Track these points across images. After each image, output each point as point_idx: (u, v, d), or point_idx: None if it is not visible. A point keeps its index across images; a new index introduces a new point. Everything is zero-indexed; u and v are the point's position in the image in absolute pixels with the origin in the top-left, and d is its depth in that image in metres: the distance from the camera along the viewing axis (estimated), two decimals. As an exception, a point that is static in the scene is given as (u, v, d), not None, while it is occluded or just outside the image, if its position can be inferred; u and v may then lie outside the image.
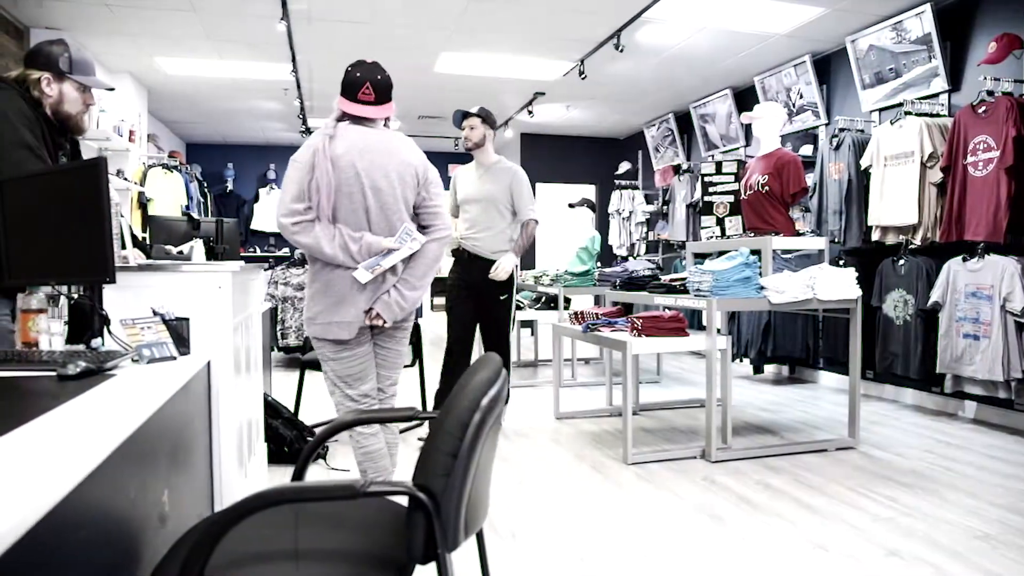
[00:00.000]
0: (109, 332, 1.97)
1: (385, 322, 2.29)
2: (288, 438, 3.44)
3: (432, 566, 1.13)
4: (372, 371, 2.39)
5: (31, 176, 1.95)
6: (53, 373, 1.60)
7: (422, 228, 2.35)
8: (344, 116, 2.29)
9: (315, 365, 3.95)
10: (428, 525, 1.11)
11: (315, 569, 1.20)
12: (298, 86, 6.46)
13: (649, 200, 8.19)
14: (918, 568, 2.26)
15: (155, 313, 1.99)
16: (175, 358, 1.88)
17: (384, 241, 2.24)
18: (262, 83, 6.56)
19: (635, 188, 8.39)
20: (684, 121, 7.64)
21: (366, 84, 2.25)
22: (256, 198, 9.62)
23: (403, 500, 1.18)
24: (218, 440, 2.17)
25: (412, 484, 1.11)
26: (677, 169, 7.36)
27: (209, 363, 2.12)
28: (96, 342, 1.92)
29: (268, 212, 9.37)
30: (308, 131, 8.20)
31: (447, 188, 3.92)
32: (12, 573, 0.78)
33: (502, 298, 3.82)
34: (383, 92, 2.29)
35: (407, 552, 1.14)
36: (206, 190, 8.99)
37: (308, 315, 2.31)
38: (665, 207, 7.64)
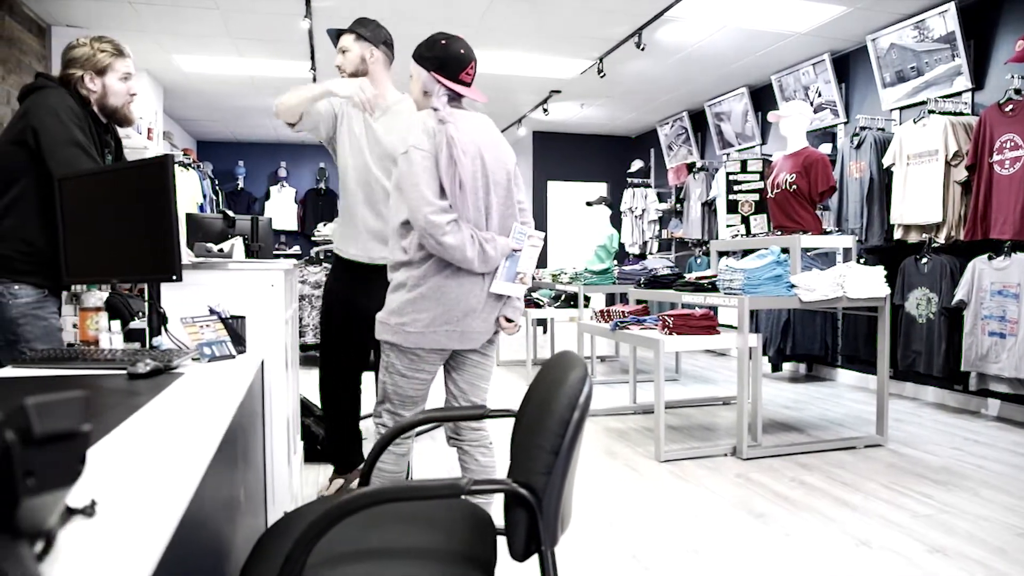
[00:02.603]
0: (166, 330, 1.98)
1: (517, 328, 2.09)
2: (320, 436, 3.45)
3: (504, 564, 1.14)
4: (427, 397, 2.14)
5: (92, 173, 1.96)
6: (121, 372, 1.61)
7: None
8: (449, 99, 1.98)
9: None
10: (529, 522, 1.12)
11: (408, 568, 1.20)
12: (314, 83, 6.46)
13: (662, 198, 8.20)
14: (965, 564, 2.27)
15: (212, 311, 2.00)
16: (234, 356, 1.88)
17: (510, 243, 1.99)
18: (279, 80, 6.55)
19: (647, 186, 8.39)
20: (698, 119, 7.64)
21: (472, 63, 1.99)
22: (267, 196, 9.62)
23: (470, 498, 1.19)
24: (270, 438, 2.18)
25: (514, 482, 1.12)
26: (691, 167, 7.37)
27: (263, 361, 2.13)
28: (156, 340, 1.93)
29: (279, 210, 9.37)
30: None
31: None
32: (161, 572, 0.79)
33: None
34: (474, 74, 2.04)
35: (509, 550, 1.14)
36: (218, 188, 8.99)
37: (400, 320, 1.96)
38: (679, 205, 7.65)
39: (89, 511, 0.76)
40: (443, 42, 1.99)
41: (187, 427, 1.14)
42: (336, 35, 2.66)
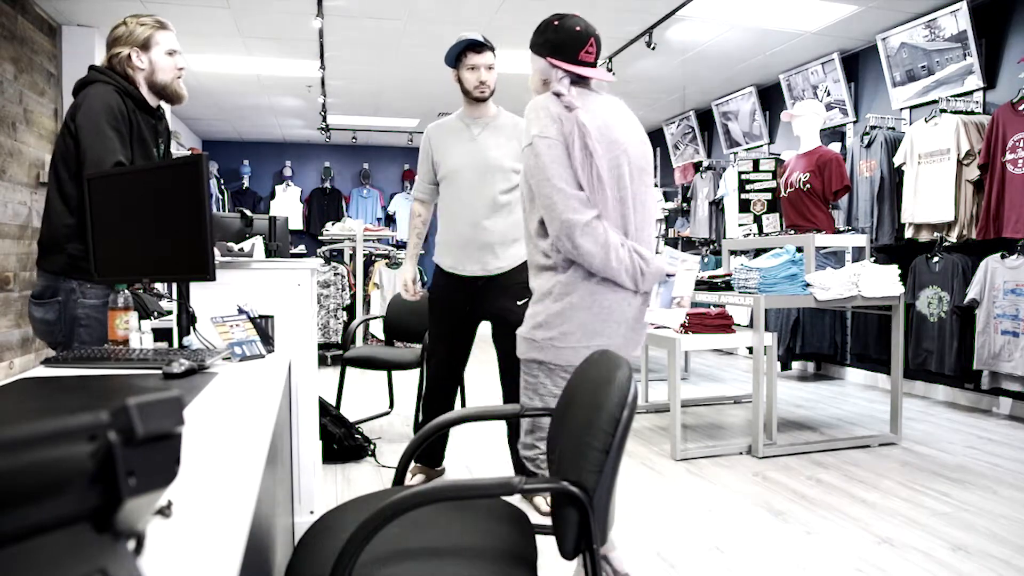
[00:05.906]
0: (194, 330, 1.98)
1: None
2: (337, 435, 3.45)
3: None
4: None
5: (123, 173, 1.95)
6: (156, 372, 1.62)
7: None
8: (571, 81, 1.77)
9: (357, 363, 3.96)
10: (580, 521, 1.12)
11: (460, 568, 1.20)
12: (322, 83, 6.45)
13: (668, 197, 8.20)
14: (989, 562, 2.28)
15: (240, 311, 2.00)
16: (264, 356, 1.89)
17: (666, 266, 1.77)
18: (287, 80, 6.55)
19: (654, 185, 8.39)
20: (705, 118, 7.64)
21: (591, 40, 1.77)
22: (272, 195, 9.62)
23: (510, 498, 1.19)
24: (297, 438, 2.18)
25: (566, 481, 1.13)
26: (698, 166, 7.37)
27: (290, 361, 2.13)
28: (186, 340, 1.93)
29: (284, 209, 9.36)
30: (327, 128, 8.17)
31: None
32: None
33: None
34: (599, 50, 1.82)
35: (559, 548, 1.15)
36: (223, 187, 8.99)
37: (548, 335, 1.74)
38: (685, 204, 7.65)
39: (167, 512, 0.77)
40: (555, 23, 1.80)
41: (234, 428, 1.14)
42: (471, 46, 2.78)
